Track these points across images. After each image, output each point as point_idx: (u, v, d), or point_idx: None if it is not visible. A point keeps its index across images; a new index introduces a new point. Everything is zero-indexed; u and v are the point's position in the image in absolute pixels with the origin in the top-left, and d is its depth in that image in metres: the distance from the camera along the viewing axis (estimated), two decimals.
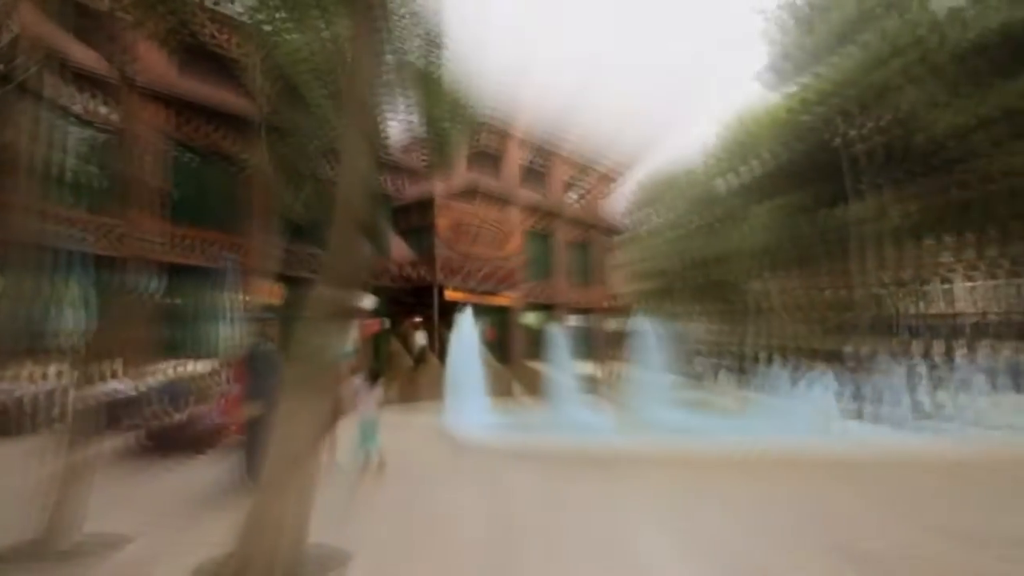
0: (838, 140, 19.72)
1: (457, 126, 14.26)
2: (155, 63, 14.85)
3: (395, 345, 19.23)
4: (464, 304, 18.77)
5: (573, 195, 28.94)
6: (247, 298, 14.71)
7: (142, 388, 11.03)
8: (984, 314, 29.76)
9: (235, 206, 16.22)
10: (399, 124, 14.67)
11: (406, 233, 20.41)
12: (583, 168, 29.21)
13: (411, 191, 20.75)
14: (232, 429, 7.69)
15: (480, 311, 21.07)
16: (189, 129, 15.92)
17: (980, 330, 28.03)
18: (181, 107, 15.71)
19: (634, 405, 13.51)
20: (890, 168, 19.45)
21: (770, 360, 19.70)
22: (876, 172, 19.25)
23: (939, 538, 5.01)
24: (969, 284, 30.26)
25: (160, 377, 12.34)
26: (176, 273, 15.18)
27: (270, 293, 14.78)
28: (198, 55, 15.54)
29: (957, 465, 8.19)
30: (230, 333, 14.18)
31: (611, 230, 30.47)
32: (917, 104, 17.29)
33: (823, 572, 4.29)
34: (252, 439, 6.22)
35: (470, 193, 22.25)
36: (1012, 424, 11.28)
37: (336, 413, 7.57)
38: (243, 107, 15.16)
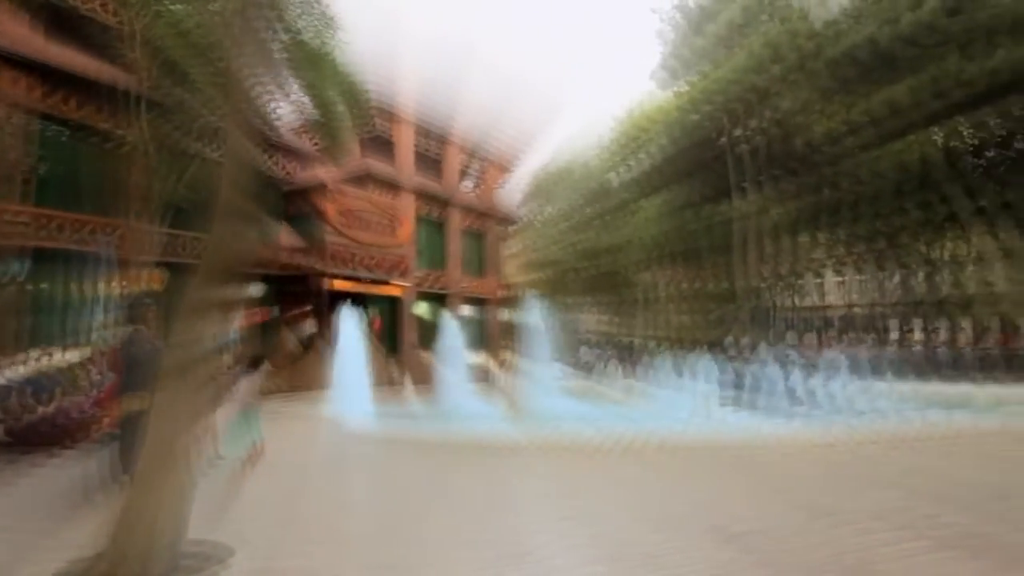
0: (724, 139, 20.80)
1: (350, 109, 13.88)
2: (15, 26, 13.44)
3: (282, 334, 18.65)
4: (353, 293, 18.40)
5: (467, 183, 28.91)
6: (123, 284, 13.76)
7: (2, 380, 10.06)
8: (851, 307, 32.34)
9: (110, 186, 14.95)
10: (290, 105, 14.11)
11: (295, 219, 19.75)
12: (478, 156, 29.20)
13: (301, 175, 20.03)
14: (104, 422, 7.24)
15: (370, 300, 20.73)
16: (57, 100, 14.52)
17: (847, 321, 30.37)
18: (47, 75, 14.26)
19: (524, 394, 13.77)
20: (771, 167, 20.72)
21: (656, 350, 20.52)
22: (758, 170, 20.45)
23: (808, 516, 5.39)
24: (838, 279, 32.73)
25: (24, 368, 11.30)
26: (42, 257, 13.95)
27: (149, 279, 13.89)
28: (68, 20, 14.21)
29: (825, 448, 8.86)
30: (104, 321, 13.25)
31: (505, 219, 30.69)
32: (795, 108, 18.49)
33: (702, 552, 4.51)
34: (126, 432, 5.86)
35: (362, 179, 21.76)
36: (874, 409, 12.30)
37: (216, 403, 7.24)
38: (121, 79, 13.98)
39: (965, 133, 20.20)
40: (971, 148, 20.60)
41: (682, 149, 22.31)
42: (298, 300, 19.48)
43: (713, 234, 24.30)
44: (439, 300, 26.01)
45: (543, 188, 28.71)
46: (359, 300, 18.09)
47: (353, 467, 7.87)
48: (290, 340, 18.68)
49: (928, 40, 15.92)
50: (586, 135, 26.75)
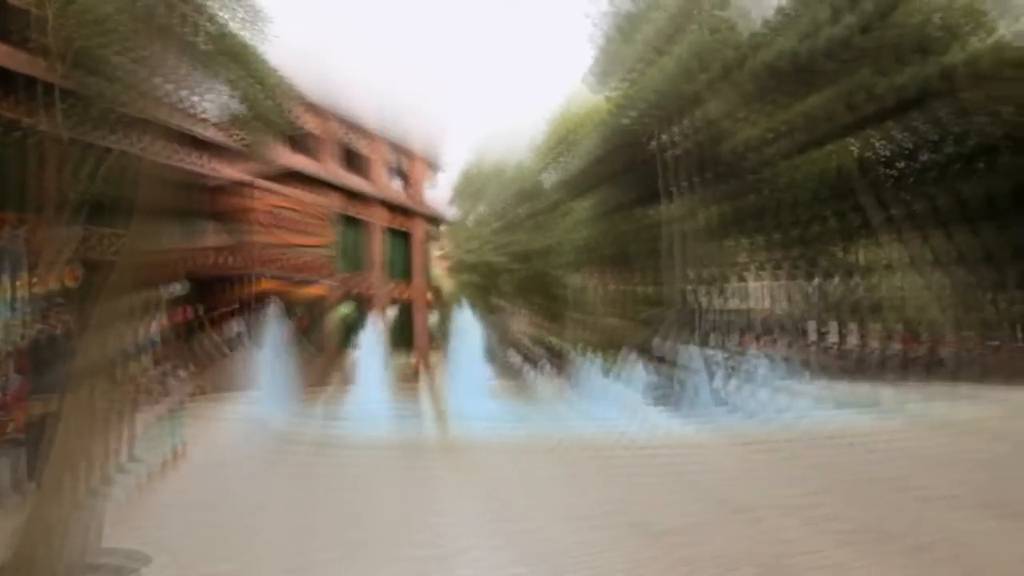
0: (654, 143, 21.33)
1: (276, 105, 13.58)
2: None
3: (206, 334, 18.16)
4: (279, 293, 18.08)
5: (396, 182, 28.70)
6: (33, 282, 13.05)
7: None
8: (771, 310, 33.70)
9: (20, 178, 14.08)
10: (214, 100, 13.66)
11: (220, 216, 19.16)
12: (407, 155, 29.04)
13: (225, 172, 19.45)
14: (9, 427, 6.91)
15: (295, 300, 20.35)
16: None
17: (768, 324, 31.65)
18: None
19: (450, 395, 13.83)
20: (698, 172, 21.42)
21: (585, 351, 20.90)
22: (686, 175, 21.09)
23: (726, 513, 5.68)
24: (761, 283, 34.07)
25: None
26: None
27: (62, 277, 13.21)
28: None
29: (744, 446, 9.28)
30: (11, 321, 12.55)
31: (434, 219, 30.60)
32: (721, 115, 19.17)
33: (624, 550, 4.69)
34: (34, 436, 5.61)
35: (289, 176, 21.31)
36: (790, 408, 12.90)
37: (134, 405, 7.02)
38: (32, 66, 13.21)
39: (877, 145, 21.43)
40: (883, 160, 21.87)
41: (613, 152, 22.78)
42: (222, 300, 19.04)
43: (643, 237, 24.91)
44: (364, 301, 25.75)
45: (473, 187, 28.75)
46: (284, 300, 17.77)
47: (276, 470, 7.78)
48: (214, 341, 18.23)
49: (844, 55, 16.81)
50: (519, 135, 26.92)
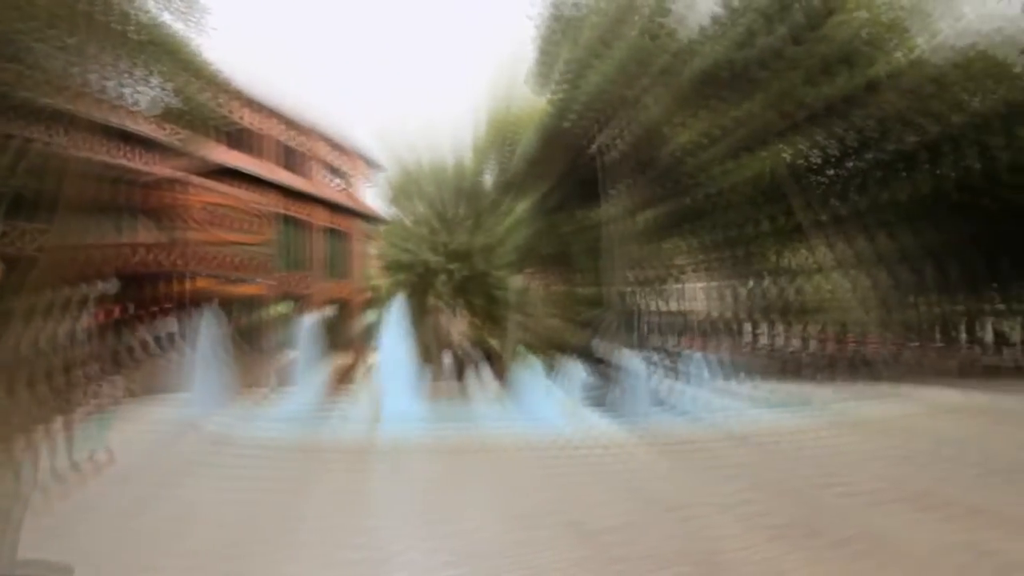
0: (594, 145, 21.63)
1: (213, 99, 13.17)
2: None
3: (136, 333, 17.54)
4: (214, 292, 17.67)
5: (333, 181, 28.29)
6: None
7: None
8: (708, 312, 34.58)
9: None
10: (149, 92, 13.15)
11: (151, 213, 18.54)
12: (346, 154, 28.67)
13: (159, 167, 18.81)
14: None
15: (230, 299, 19.86)
16: None
17: (704, 326, 32.47)
18: None
19: (386, 396, 13.74)
20: (637, 175, 21.83)
21: (523, 352, 21.02)
22: (625, 178, 21.46)
23: (660, 511, 5.82)
24: (698, 285, 34.93)
25: None
26: None
27: None
28: None
29: (680, 446, 9.49)
30: None
31: (372, 218, 30.29)
32: (659, 119, 19.59)
33: (560, 549, 4.77)
34: None
35: (225, 173, 20.75)
36: (725, 408, 13.27)
37: (57, 409, 6.72)
38: None
39: (807, 152, 22.28)
40: (814, 166, 22.75)
41: (553, 153, 22.99)
42: (154, 298, 18.46)
43: (582, 238, 25.22)
44: (300, 300, 25.33)
45: (412, 187, 28.52)
46: (220, 300, 17.35)
47: (208, 474, 7.59)
48: (145, 340, 17.67)
49: (776, 64, 17.44)
50: (459, 134, 26.86)
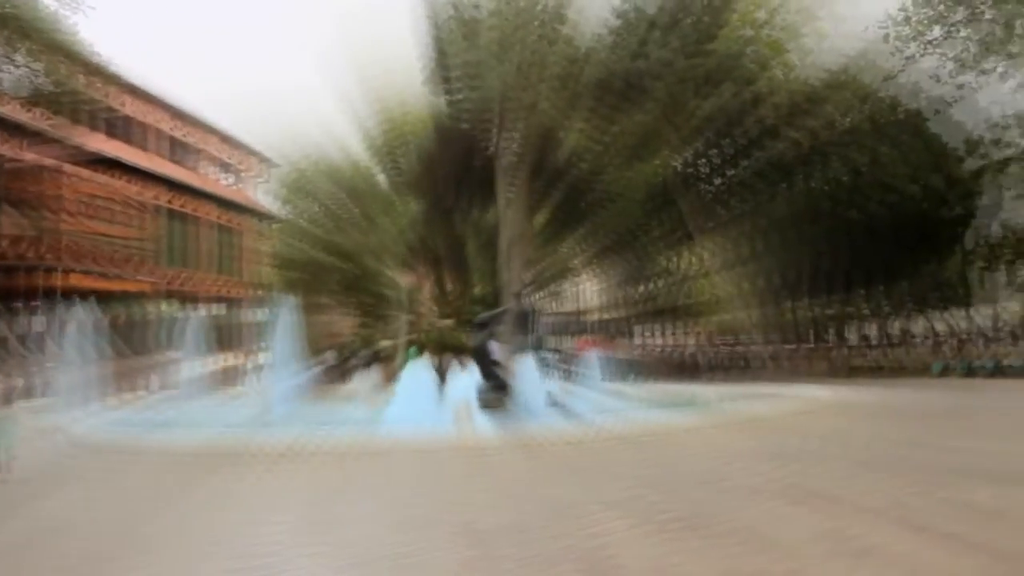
0: (492, 148, 21.81)
1: (89, 83, 12.35)
2: None
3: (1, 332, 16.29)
4: (91, 289, 16.66)
5: (225, 177, 27.15)
6: None
7: None
8: (601, 314, 35.59)
9: None
10: (13, 71, 12.14)
11: (20, 203, 17.15)
12: (240, 150, 27.59)
13: (29, 155, 17.41)
14: None
15: (109, 296, 18.83)
16: None
17: (599, 326, 33.39)
18: None
19: (272, 398, 13.40)
20: (533, 178, 22.20)
21: (415, 353, 20.92)
22: (521, 180, 21.77)
23: (551, 510, 5.98)
24: (592, 287, 35.88)
25: None
26: None
27: None
28: None
29: (570, 445, 9.74)
30: None
31: (265, 216, 29.32)
32: (555, 124, 20.04)
33: (450, 551, 4.83)
34: None
35: (104, 163, 19.46)
36: (615, 407, 13.71)
37: None
38: None
39: (697, 161, 23.43)
40: (702, 175, 23.95)
41: (450, 155, 23.01)
42: (22, 295, 17.12)
43: (477, 239, 25.41)
44: (186, 298, 24.14)
45: (307, 185, 27.75)
46: (95, 297, 16.29)
47: (79, 482, 7.15)
48: (8, 339, 16.42)
49: (668, 77, 18.28)
50: (356, 134, 26.33)
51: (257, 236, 29.25)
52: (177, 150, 24.56)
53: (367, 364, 24.33)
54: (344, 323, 30.62)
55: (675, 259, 29.78)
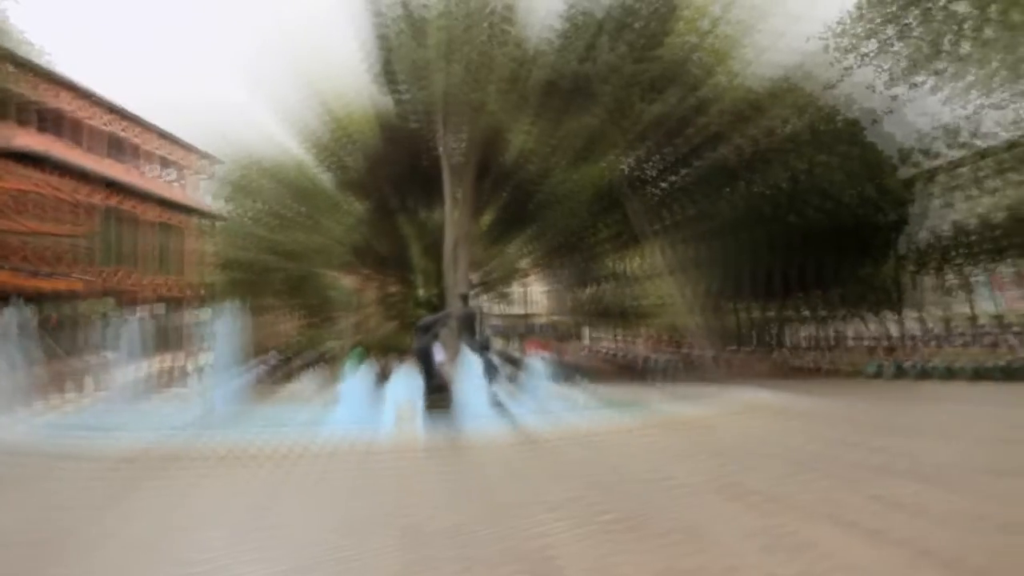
0: (440, 148, 21.80)
1: (21, 76, 11.89)
2: None
3: None
4: (20, 287, 16.03)
5: (166, 174, 26.41)
6: None
7: None
8: (549, 316, 35.85)
9: None
10: None
11: None
12: (180, 147, 26.87)
13: None
14: None
15: (39, 297, 18.17)
16: None
17: (545, 329, 33.63)
18: None
19: (213, 400, 13.13)
20: (481, 179, 22.28)
21: (361, 355, 20.73)
22: (469, 181, 21.83)
23: (494, 511, 6.02)
24: (539, 289, 36.12)
25: None
26: None
27: None
28: None
29: (515, 447, 9.81)
30: None
31: (202, 214, 28.66)
32: (504, 125, 20.16)
33: (395, 553, 4.82)
34: None
35: (32, 157, 18.69)
36: (561, 409, 13.84)
37: None
38: None
39: (643, 164, 23.87)
40: (650, 179, 24.40)
41: (397, 154, 22.91)
42: None
43: (424, 240, 25.33)
44: (122, 298, 23.39)
45: (250, 184, 27.19)
46: (27, 297, 15.63)
47: (7, 489, 6.84)
48: None
49: (616, 80, 18.58)
50: (301, 132, 25.89)
51: (199, 235, 28.55)
52: (115, 147, 23.77)
53: (311, 365, 24.00)
54: (289, 324, 30.15)
55: (622, 262, 30.22)
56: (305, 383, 19.92)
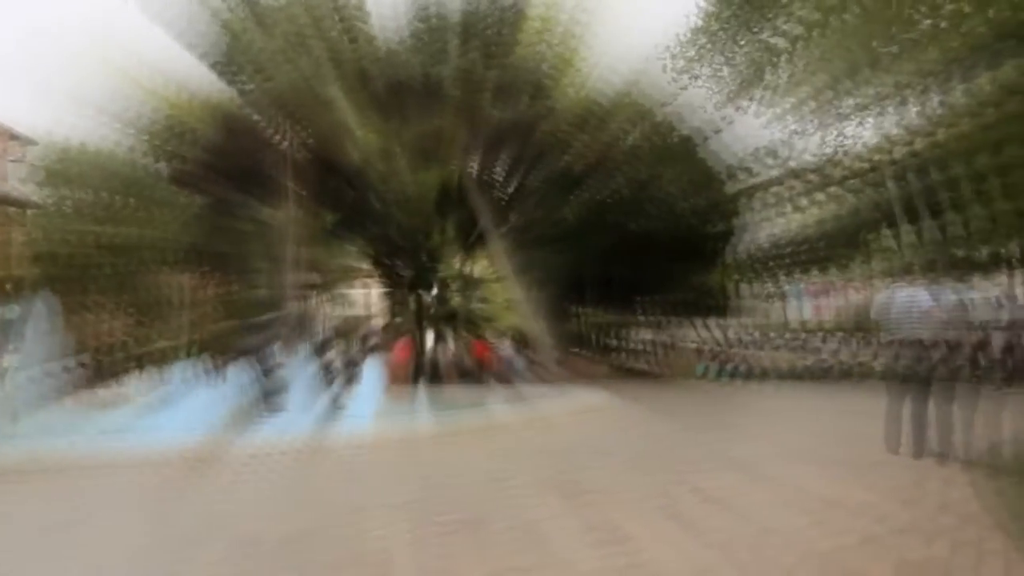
0: (284, 143, 21.05)
1: None
2: None
3: None
4: None
5: None
6: None
7: None
8: (391, 318, 35.50)
9: None
10: None
11: None
12: None
13: None
14: None
15: None
16: None
17: (386, 332, 33.32)
18: None
19: (22, 404, 12.03)
20: (324, 177, 21.76)
21: (188, 355, 19.63)
22: (311, 179, 21.26)
23: (337, 515, 6.05)
24: (380, 291, 35.74)
25: None
26: None
27: None
28: None
29: (355, 449, 9.79)
30: None
31: (17, 202, 25.91)
32: (351, 123, 19.84)
33: (230, 565, 4.73)
34: None
35: None
36: (405, 412, 13.92)
37: None
38: None
39: (491, 167, 24.40)
40: (496, 182, 24.96)
41: (239, 147, 21.83)
42: None
43: (262, 238, 24.28)
44: None
45: (70, 170, 24.78)
46: None
47: None
48: None
49: (468, 83, 18.91)
50: (132, 116, 23.88)
51: (5, 222, 25.67)
52: None
53: (138, 367, 22.38)
54: (115, 323, 27.83)
55: (468, 263, 30.61)
56: (129, 385, 18.59)
